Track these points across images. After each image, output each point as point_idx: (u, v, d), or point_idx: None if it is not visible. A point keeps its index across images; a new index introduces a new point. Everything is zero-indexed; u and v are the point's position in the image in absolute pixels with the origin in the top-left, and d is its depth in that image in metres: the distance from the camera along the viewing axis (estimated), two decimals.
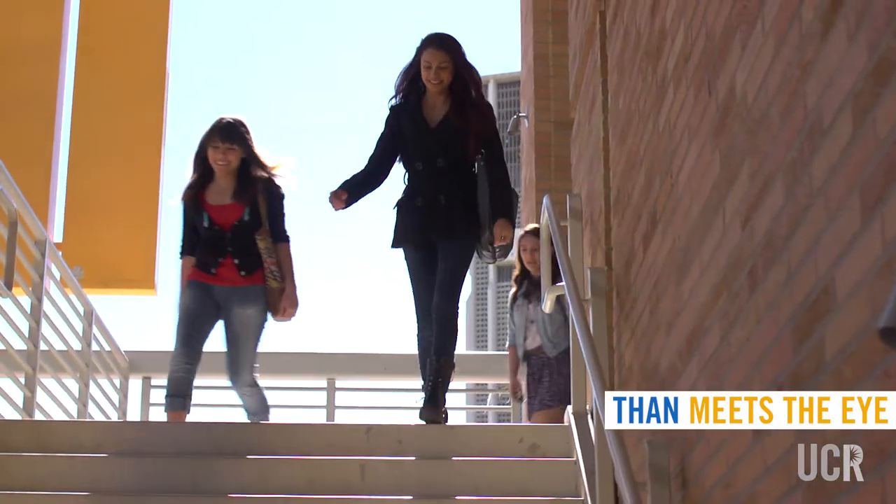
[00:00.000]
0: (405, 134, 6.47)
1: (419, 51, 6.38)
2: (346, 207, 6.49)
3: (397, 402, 10.49)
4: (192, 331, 6.53)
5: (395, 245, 6.51)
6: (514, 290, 7.98)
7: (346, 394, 9.91)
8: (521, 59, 10.63)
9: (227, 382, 6.83)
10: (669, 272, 4.32)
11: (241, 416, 7.02)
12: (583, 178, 6.67)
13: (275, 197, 6.72)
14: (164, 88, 10.35)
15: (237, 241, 6.62)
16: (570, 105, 9.14)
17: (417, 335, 6.59)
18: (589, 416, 6.01)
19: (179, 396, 6.50)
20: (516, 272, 7.93)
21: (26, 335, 7.16)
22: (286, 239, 6.78)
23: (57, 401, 7.81)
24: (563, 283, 6.12)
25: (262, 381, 7.59)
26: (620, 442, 4.19)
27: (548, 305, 6.66)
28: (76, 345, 8.27)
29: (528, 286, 7.75)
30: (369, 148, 6.74)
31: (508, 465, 5.76)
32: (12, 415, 6.95)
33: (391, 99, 6.62)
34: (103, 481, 5.65)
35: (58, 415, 7.77)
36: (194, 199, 6.67)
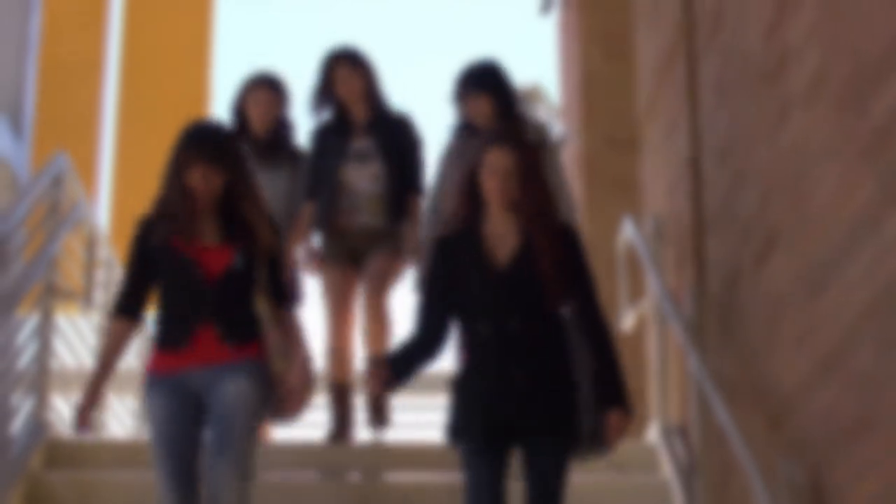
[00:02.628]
0: (462, 280, 4.42)
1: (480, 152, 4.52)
2: (390, 389, 4.52)
3: None
4: (174, 461, 4.44)
5: (452, 439, 4.43)
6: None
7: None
8: (560, 78, 10.68)
9: None
10: (797, 290, 4.35)
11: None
12: (659, 198, 6.70)
13: (277, 238, 4.70)
14: (209, 107, 10.41)
15: (223, 299, 4.50)
16: (618, 124, 9.24)
17: None
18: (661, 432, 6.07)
19: None
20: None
21: (96, 353, 7.17)
22: (293, 302, 4.76)
23: (120, 419, 7.82)
24: (651, 302, 6.19)
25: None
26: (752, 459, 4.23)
27: (629, 323, 6.71)
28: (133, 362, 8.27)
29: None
30: None
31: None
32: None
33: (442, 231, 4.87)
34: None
35: (120, 433, 7.78)
36: (165, 238, 4.53)
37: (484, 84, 5.78)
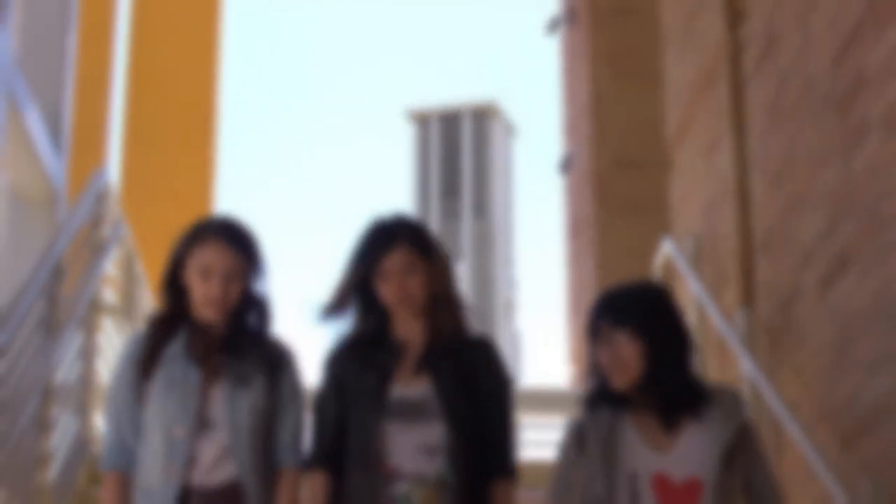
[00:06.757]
0: None
1: None
2: None
3: None
4: None
5: None
6: None
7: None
8: (565, 97, 10.77)
9: None
10: (873, 313, 4.41)
11: None
12: (693, 219, 6.76)
13: None
14: (216, 121, 10.43)
15: None
16: (627, 144, 9.34)
17: None
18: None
19: None
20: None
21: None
22: None
23: None
24: (690, 319, 6.24)
25: None
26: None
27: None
28: None
29: None
30: None
31: None
32: None
33: None
34: None
35: None
36: None
37: (628, 314, 3.22)
